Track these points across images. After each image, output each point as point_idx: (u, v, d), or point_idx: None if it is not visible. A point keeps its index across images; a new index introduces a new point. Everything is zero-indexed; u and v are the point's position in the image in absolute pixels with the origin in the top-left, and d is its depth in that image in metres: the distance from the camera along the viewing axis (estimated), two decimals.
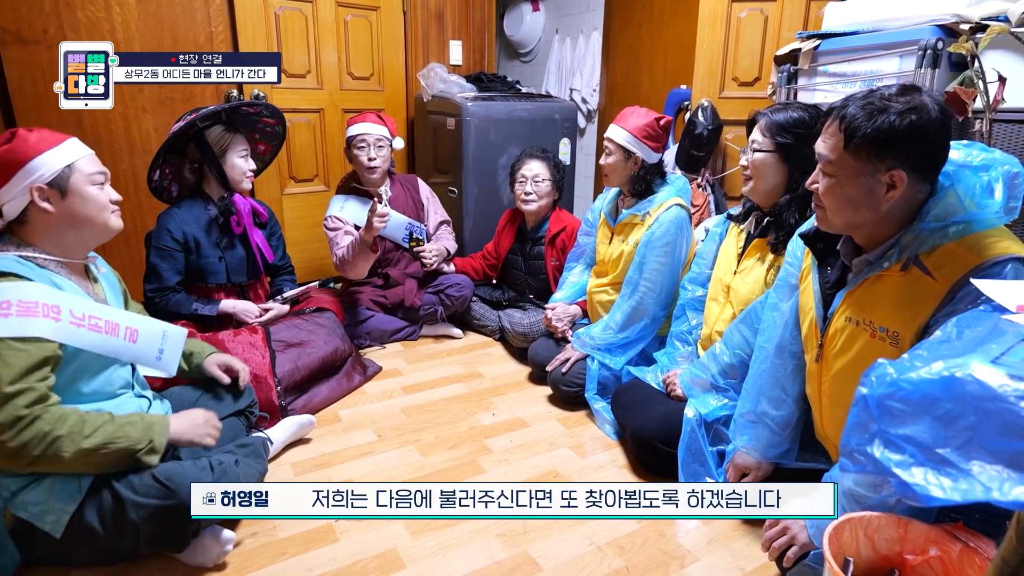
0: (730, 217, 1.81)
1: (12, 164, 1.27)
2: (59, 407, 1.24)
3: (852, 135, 1.06)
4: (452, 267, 2.86)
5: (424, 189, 2.84)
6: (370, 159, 2.54)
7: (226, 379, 1.61)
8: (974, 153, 1.10)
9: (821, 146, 1.15)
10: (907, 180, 1.06)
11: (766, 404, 1.46)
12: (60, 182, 1.30)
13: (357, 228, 2.59)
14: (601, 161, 2.11)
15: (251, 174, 2.11)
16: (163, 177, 2.09)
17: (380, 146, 2.55)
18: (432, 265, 2.68)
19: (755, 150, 1.60)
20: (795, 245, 1.43)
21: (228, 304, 2.07)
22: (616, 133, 2.04)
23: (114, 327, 1.34)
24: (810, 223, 1.35)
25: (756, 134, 1.61)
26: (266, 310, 2.18)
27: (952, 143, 1.11)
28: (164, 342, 1.48)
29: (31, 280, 1.24)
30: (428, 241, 2.75)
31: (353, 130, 2.54)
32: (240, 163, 2.08)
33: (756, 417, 1.48)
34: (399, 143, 2.63)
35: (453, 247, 2.83)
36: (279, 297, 2.26)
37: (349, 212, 2.62)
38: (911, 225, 1.10)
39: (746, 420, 1.51)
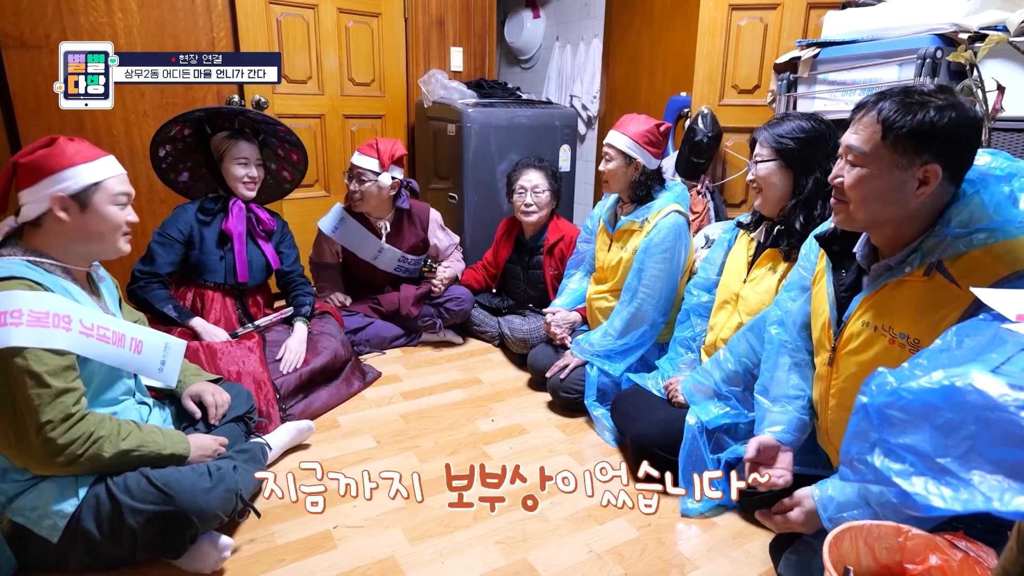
0: (740, 225, 1.81)
1: (43, 169, 1.29)
2: (101, 415, 1.29)
3: (891, 127, 1.06)
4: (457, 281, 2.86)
5: (433, 223, 2.74)
6: (353, 190, 2.51)
7: (198, 413, 1.61)
8: (999, 162, 1.10)
9: (853, 138, 1.13)
10: (940, 176, 1.06)
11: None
12: (84, 196, 1.31)
13: (344, 251, 2.63)
14: (601, 167, 2.11)
15: (248, 181, 2.10)
16: (191, 178, 2.18)
17: (364, 179, 2.47)
18: (440, 292, 2.67)
19: (758, 162, 1.63)
20: (809, 247, 1.43)
21: (199, 323, 2.02)
22: (617, 139, 2.05)
23: (120, 338, 1.35)
24: (825, 226, 1.35)
25: (758, 147, 1.64)
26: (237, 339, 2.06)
27: (980, 150, 1.11)
28: (166, 354, 1.49)
29: (42, 284, 1.24)
30: (427, 265, 2.75)
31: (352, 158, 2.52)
32: (235, 169, 2.08)
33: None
34: (385, 179, 2.45)
35: (461, 267, 2.83)
36: (251, 324, 2.17)
37: (340, 235, 2.58)
38: (933, 229, 1.10)
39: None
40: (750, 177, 1.66)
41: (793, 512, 1.24)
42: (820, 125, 1.59)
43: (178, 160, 2.16)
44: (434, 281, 2.66)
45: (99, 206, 1.33)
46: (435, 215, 2.76)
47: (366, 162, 2.47)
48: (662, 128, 2.05)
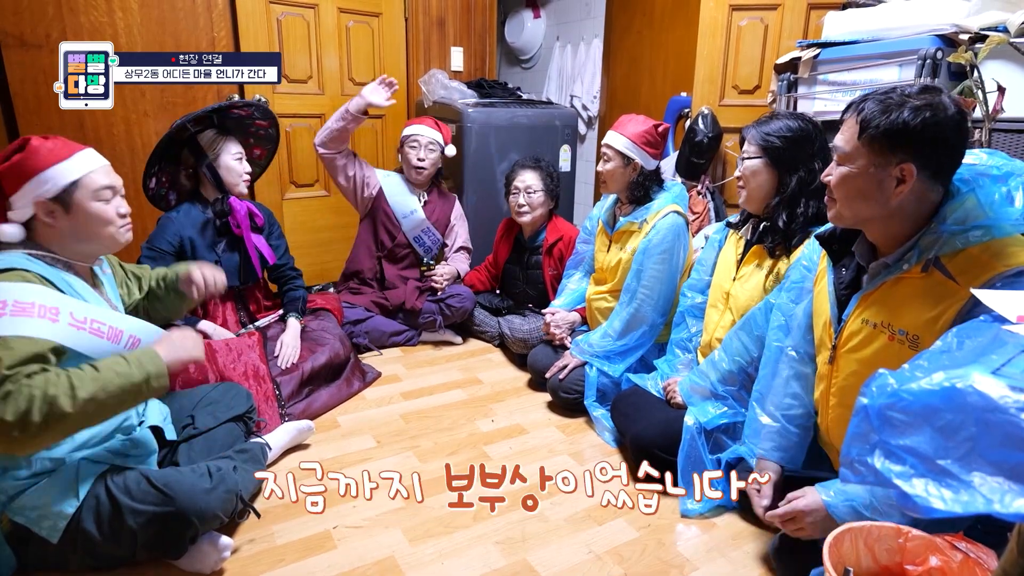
0: (729, 225, 1.82)
1: (23, 174, 1.26)
2: (47, 374, 1.15)
3: (866, 127, 1.09)
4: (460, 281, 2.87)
5: (457, 211, 2.88)
6: (419, 159, 2.64)
7: (201, 286, 1.56)
8: (995, 161, 1.11)
9: (838, 138, 1.17)
10: (916, 175, 1.07)
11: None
12: (64, 197, 1.28)
13: (384, 202, 2.69)
14: (599, 167, 2.11)
15: (247, 177, 2.10)
16: (160, 185, 2.08)
17: (431, 149, 2.65)
18: (442, 288, 2.69)
19: (745, 159, 1.65)
20: (811, 248, 1.45)
21: (208, 325, 2.03)
22: (615, 139, 2.05)
23: (118, 334, 1.33)
24: (828, 225, 1.36)
25: (746, 145, 1.66)
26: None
27: (976, 150, 1.12)
28: None
29: (44, 277, 1.23)
30: (436, 255, 2.80)
31: (408, 130, 2.66)
32: (235, 165, 2.06)
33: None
34: (451, 150, 2.72)
35: (464, 269, 2.85)
36: (252, 325, 2.20)
37: (388, 182, 2.70)
38: (929, 227, 1.11)
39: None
40: (737, 174, 1.68)
41: (798, 502, 1.27)
42: (807, 125, 1.60)
43: (151, 164, 2.05)
44: (435, 277, 2.69)
45: (82, 204, 1.29)
46: (458, 202, 2.93)
47: (434, 135, 2.66)
48: (660, 129, 2.05)
